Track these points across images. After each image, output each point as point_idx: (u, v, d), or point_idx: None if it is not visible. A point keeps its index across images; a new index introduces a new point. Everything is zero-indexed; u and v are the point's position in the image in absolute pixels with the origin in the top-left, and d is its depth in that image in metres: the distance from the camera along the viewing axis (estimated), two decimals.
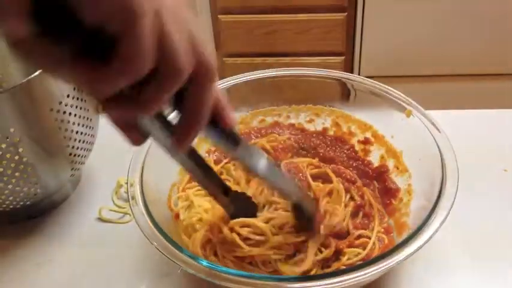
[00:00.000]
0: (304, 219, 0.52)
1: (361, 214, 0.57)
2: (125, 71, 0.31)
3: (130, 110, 0.34)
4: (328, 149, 0.66)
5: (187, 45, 0.33)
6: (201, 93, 0.36)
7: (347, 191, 0.59)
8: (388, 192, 0.60)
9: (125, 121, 0.38)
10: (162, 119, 0.39)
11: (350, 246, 0.54)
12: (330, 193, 0.58)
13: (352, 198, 0.59)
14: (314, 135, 0.67)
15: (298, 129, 0.68)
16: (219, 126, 0.40)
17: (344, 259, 0.52)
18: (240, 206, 0.51)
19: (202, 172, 0.46)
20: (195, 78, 0.35)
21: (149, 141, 0.56)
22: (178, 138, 0.38)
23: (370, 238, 0.54)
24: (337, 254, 0.53)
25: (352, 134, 0.66)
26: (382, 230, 0.56)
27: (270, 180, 0.47)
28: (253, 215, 0.52)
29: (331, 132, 0.67)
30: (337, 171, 0.61)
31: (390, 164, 0.62)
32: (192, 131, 0.38)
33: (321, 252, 0.52)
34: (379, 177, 0.62)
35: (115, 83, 0.31)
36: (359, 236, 0.55)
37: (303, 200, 0.51)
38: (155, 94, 0.33)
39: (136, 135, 0.39)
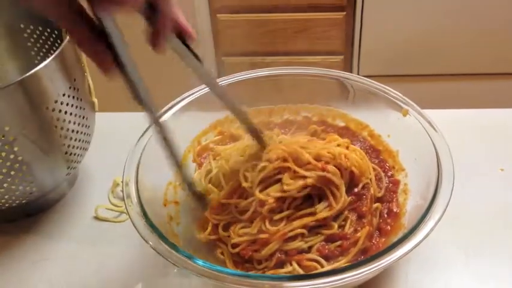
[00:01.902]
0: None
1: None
2: None
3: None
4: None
5: None
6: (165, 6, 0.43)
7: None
8: (389, 214, 0.57)
9: (90, 43, 0.40)
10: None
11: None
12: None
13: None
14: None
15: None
16: (184, 41, 0.47)
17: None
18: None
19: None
20: None
21: (146, 140, 0.57)
22: (152, 38, 0.44)
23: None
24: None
25: None
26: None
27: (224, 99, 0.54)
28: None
29: None
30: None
31: (386, 164, 0.62)
32: (162, 34, 0.44)
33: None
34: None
35: None
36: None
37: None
38: None
39: (104, 59, 0.41)
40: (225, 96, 0.54)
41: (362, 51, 1.57)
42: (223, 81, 0.65)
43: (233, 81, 0.65)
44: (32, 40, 0.67)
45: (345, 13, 1.51)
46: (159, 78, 1.54)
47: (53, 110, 0.56)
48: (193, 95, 0.63)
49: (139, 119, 0.64)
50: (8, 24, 0.67)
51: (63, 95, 0.57)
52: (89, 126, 0.63)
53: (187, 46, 0.48)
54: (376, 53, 1.57)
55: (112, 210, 0.65)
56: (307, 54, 1.61)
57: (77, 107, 0.59)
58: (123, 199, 0.65)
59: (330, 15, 1.53)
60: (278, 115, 0.68)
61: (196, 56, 0.50)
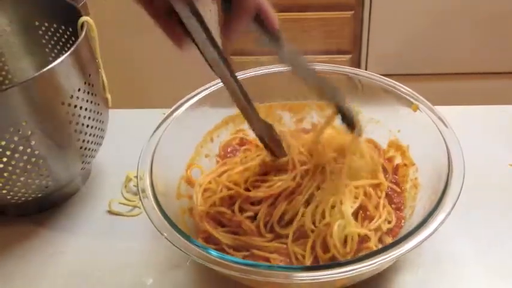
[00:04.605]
0: (348, 122, 0.55)
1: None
2: None
3: None
4: None
5: None
6: None
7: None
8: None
9: (162, 14, 0.40)
10: (200, 18, 0.42)
11: None
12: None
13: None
14: None
15: None
16: (264, 26, 0.48)
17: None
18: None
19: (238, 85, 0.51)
20: None
21: (159, 135, 0.57)
22: (226, 28, 0.43)
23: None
24: None
25: None
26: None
27: (310, 80, 0.52)
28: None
29: None
30: None
31: (397, 159, 0.63)
32: (240, 23, 0.43)
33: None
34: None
35: None
36: None
37: (344, 103, 0.54)
38: None
39: (176, 33, 0.42)
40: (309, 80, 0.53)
41: (370, 50, 1.57)
42: None
43: (243, 77, 0.66)
44: (47, 37, 0.68)
45: (353, 12, 1.52)
46: (172, 73, 1.55)
47: (69, 105, 0.57)
48: (206, 90, 0.64)
49: (151, 115, 0.65)
50: (23, 21, 0.68)
51: (79, 90, 0.58)
52: (103, 122, 0.64)
53: (267, 31, 0.47)
54: (384, 52, 1.57)
55: (125, 204, 0.66)
56: (315, 53, 1.61)
57: (91, 102, 0.60)
58: (136, 194, 0.67)
59: (338, 14, 1.53)
60: (292, 112, 0.69)
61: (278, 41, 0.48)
